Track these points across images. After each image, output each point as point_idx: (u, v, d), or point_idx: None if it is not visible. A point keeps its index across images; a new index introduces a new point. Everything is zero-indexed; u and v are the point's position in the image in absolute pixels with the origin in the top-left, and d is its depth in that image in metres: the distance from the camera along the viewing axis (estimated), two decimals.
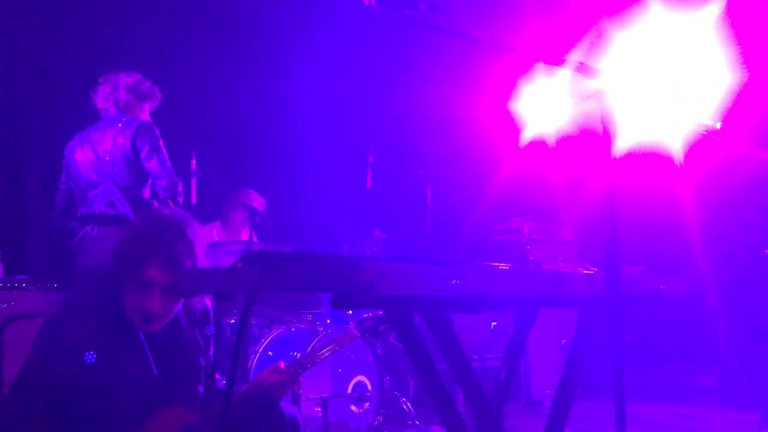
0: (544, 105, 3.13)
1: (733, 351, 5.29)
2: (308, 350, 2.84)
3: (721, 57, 2.97)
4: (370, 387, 4.15)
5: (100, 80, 4.19)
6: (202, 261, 2.33)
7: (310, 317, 4.65)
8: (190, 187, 4.26)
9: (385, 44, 6.30)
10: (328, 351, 2.94)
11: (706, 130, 2.63)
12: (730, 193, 4.68)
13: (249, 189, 5.17)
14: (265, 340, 4.13)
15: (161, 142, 4.07)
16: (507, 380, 2.17)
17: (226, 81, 6.02)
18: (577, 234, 6.20)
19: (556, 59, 2.03)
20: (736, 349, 5.25)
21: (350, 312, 4.36)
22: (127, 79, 4.18)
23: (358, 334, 3.21)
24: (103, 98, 4.16)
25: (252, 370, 4.04)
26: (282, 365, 2.49)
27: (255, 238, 4.53)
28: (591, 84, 2.01)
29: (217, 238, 5.12)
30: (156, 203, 4.08)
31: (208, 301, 2.58)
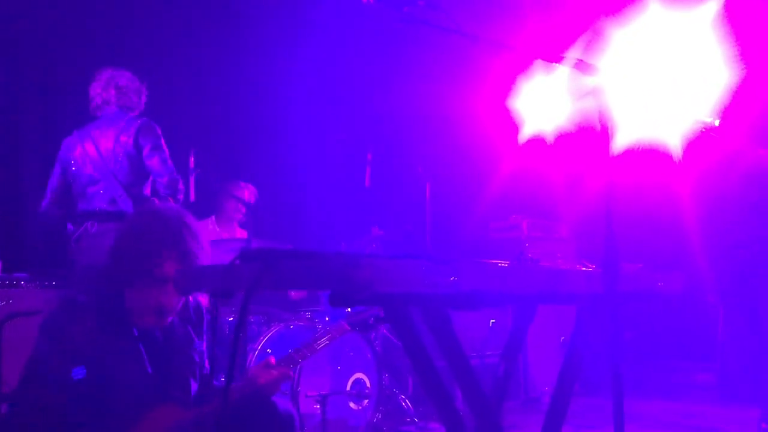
0: (543, 102, 3.14)
1: (731, 347, 5.30)
2: (300, 344, 2.85)
3: (719, 54, 2.97)
4: (368, 384, 4.16)
5: (96, 76, 4.23)
6: (209, 253, 2.33)
7: (308, 315, 4.66)
8: (189, 184, 4.29)
9: (384, 42, 6.29)
10: (319, 345, 2.95)
11: (704, 127, 2.63)
12: (728, 189, 4.68)
13: (239, 180, 5.18)
14: (263, 338, 4.13)
15: (163, 141, 4.15)
16: (505, 377, 2.17)
17: (224, 78, 6.02)
18: (576, 231, 6.20)
19: (554, 56, 2.03)
20: (735, 346, 5.26)
21: (348, 309, 4.36)
22: (118, 77, 4.22)
23: (349, 328, 3.23)
24: (97, 94, 4.20)
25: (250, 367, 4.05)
26: (272, 360, 2.50)
27: (245, 234, 4.53)
28: (589, 81, 2.01)
29: (214, 234, 5.14)
30: (156, 200, 4.11)
31: (201, 298, 2.58)
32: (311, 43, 6.24)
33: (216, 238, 4.99)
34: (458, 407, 1.79)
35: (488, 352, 5.26)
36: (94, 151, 4.10)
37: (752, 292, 4.70)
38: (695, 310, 5.94)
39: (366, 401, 4.12)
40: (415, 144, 6.60)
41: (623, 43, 2.72)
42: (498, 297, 1.73)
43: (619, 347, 1.92)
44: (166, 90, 4.42)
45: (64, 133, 4.27)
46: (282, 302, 4.81)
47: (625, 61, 2.66)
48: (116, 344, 2.19)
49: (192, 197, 4.28)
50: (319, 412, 3.68)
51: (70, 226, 4.16)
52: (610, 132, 1.94)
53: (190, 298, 2.47)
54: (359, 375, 4.14)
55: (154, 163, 4.08)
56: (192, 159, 4.39)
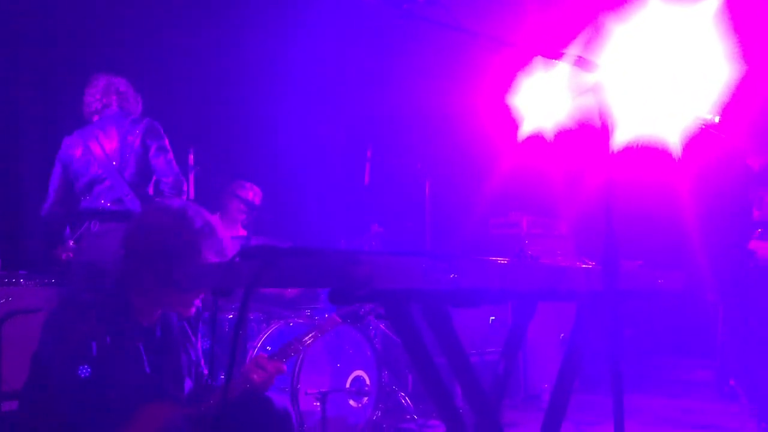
0: (543, 99, 3.13)
1: (731, 344, 5.30)
2: (291, 338, 2.85)
3: (720, 51, 2.97)
4: (368, 382, 4.16)
5: (92, 82, 4.24)
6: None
7: (308, 312, 4.66)
8: (188, 181, 4.31)
9: (383, 39, 6.29)
10: (310, 338, 2.95)
11: (704, 124, 2.63)
12: (728, 186, 4.68)
13: (244, 180, 5.18)
14: (263, 335, 4.13)
15: (167, 141, 4.18)
16: (505, 374, 2.16)
17: (223, 76, 6.01)
18: (575, 228, 6.20)
19: (554, 53, 2.02)
20: (734, 343, 5.26)
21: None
22: (117, 83, 4.25)
23: (340, 320, 3.23)
24: (96, 99, 4.22)
25: None
26: (265, 356, 2.49)
27: (244, 233, 4.53)
28: (589, 78, 2.00)
29: None
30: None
31: None
32: (310, 40, 6.23)
33: None
34: (458, 404, 1.79)
35: (488, 349, 5.26)
36: (100, 150, 4.11)
37: (751, 291, 4.69)
38: (695, 307, 5.95)
39: (366, 398, 4.13)
40: (415, 141, 6.60)
41: (623, 39, 2.71)
42: (498, 294, 1.72)
43: (618, 344, 1.92)
44: (166, 87, 4.42)
45: (64, 132, 4.26)
46: (277, 301, 4.80)
47: (625, 58, 2.65)
48: (117, 343, 2.18)
49: (192, 195, 4.29)
50: (318, 409, 3.68)
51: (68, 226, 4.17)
52: (609, 129, 1.94)
53: None
54: (359, 372, 4.14)
55: (159, 163, 4.12)
56: (191, 156, 4.40)
